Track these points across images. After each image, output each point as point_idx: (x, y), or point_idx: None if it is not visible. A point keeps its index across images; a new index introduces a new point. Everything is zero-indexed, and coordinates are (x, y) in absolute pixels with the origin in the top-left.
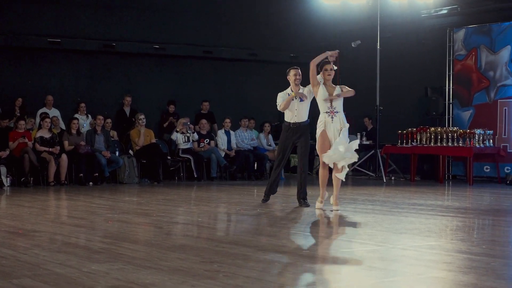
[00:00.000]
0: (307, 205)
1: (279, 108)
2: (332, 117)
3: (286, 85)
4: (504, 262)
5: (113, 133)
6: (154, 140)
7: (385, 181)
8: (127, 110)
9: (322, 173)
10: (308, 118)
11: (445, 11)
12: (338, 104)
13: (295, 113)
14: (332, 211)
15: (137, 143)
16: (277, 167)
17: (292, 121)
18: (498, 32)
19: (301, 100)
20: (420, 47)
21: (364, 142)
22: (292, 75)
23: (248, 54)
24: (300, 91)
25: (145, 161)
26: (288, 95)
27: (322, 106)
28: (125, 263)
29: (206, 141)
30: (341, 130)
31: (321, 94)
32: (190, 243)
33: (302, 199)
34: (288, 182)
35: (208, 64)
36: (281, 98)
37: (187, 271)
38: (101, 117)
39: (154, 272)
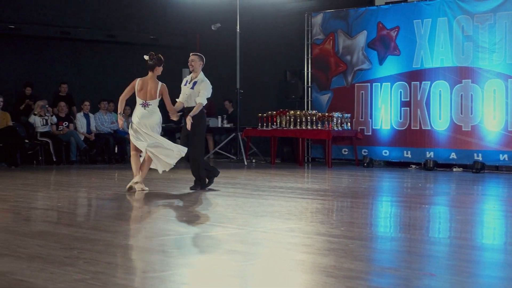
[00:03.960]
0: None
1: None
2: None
3: (145, 67)
4: (361, 243)
5: None
6: (10, 123)
7: (246, 164)
8: None
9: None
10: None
11: None
12: None
13: (185, 98)
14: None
15: None
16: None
17: (184, 106)
18: (355, 17)
19: (192, 88)
20: (279, 31)
21: (225, 125)
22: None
23: (107, 35)
24: (197, 78)
25: (1, 145)
26: (186, 81)
27: None
28: None
29: (65, 124)
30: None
31: None
32: (50, 229)
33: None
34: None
35: (66, 46)
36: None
37: (46, 258)
38: None
39: (12, 259)
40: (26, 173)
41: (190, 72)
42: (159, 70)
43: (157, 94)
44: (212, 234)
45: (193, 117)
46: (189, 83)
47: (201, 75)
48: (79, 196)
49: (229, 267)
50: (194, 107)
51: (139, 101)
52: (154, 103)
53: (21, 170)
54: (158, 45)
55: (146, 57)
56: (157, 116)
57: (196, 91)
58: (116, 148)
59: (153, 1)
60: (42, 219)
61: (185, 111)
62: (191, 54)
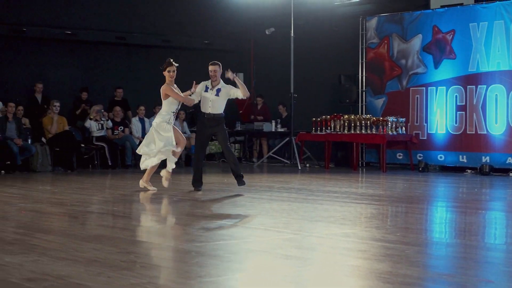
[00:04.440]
0: (243, 183)
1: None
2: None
3: (199, 71)
4: (417, 249)
5: (25, 121)
6: (67, 128)
7: (300, 168)
8: (38, 97)
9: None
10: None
11: None
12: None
13: (209, 104)
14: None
15: (49, 131)
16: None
17: (206, 112)
18: (410, 21)
19: (217, 95)
20: (333, 35)
21: (279, 130)
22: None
23: (161, 40)
24: (219, 85)
25: (58, 149)
26: (206, 87)
27: (170, 107)
28: (39, 255)
29: (120, 128)
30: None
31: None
32: (106, 233)
33: (238, 176)
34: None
35: (121, 50)
36: (199, 88)
37: (103, 262)
38: (12, 104)
39: (70, 263)
40: (82, 177)
41: (211, 80)
42: (165, 74)
43: (162, 96)
44: (267, 239)
45: (219, 127)
46: (211, 90)
47: (221, 82)
48: (134, 200)
49: (284, 272)
50: (220, 113)
51: None
52: (163, 105)
53: (77, 174)
54: (212, 49)
55: None
56: (159, 118)
57: (222, 97)
58: None
59: (208, 6)
60: (98, 223)
61: (209, 117)
62: (210, 64)
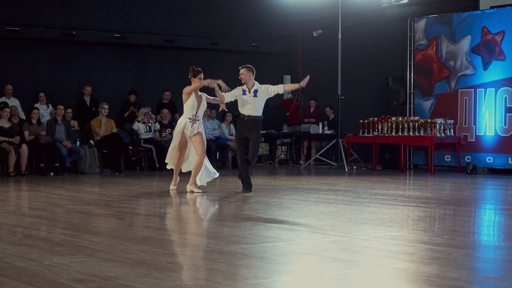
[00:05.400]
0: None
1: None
2: (192, 123)
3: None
4: (465, 252)
5: (74, 123)
6: (115, 130)
7: (346, 170)
8: (87, 99)
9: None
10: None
11: (405, 1)
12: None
13: (248, 106)
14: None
15: (98, 133)
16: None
17: (246, 114)
18: (459, 22)
19: (255, 96)
20: (381, 37)
21: (326, 132)
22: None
23: (209, 43)
24: (255, 87)
25: (106, 151)
26: (243, 90)
27: (188, 111)
28: (87, 256)
29: (168, 130)
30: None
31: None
32: (153, 235)
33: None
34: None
35: (169, 54)
36: (235, 91)
37: (150, 264)
38: (61, 107)
39: (117, 264)
40: (130, 179)
41: (248, 84)
42: (195, 81)
43: (183, 100)
44: (313, 241)
45: (256, 132)
46: (249, 93)
47: (256, 83)
48: (181, 202)
49: (331, 275)
50: (259, 116)
51: None
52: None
53: (124, 176)
54: (259, 52)
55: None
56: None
57: (261, 98)
58: (217, 154)
59: (255, 9)
60: (145, 224)
61: (249, 119)
62: (240, 67)
